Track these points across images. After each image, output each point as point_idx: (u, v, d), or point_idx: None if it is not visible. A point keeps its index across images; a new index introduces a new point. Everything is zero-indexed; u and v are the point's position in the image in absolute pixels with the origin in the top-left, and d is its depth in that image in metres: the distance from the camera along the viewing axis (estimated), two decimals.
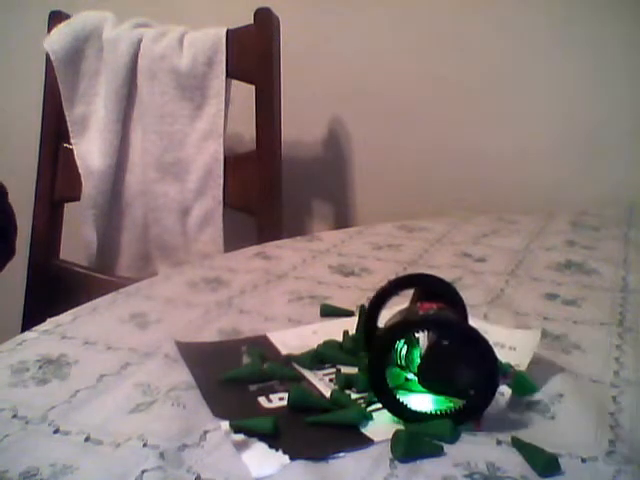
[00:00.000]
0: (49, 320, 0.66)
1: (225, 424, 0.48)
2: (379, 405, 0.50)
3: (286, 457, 0.45)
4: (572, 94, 1.32)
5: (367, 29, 1.42)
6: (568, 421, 0.50)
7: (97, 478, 0.43)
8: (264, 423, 0.48)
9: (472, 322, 0.58)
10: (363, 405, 0.51)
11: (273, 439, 0.47)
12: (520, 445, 0.46)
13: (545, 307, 0.74)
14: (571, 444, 0.47)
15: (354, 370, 0.57)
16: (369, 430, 0.48)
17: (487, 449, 0.47)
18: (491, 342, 0.48)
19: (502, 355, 0.50)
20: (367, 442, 0.47)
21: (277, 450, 0.46)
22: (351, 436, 0.48)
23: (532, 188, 1.36)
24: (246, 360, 0.59)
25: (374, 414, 0.50)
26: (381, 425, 0.49)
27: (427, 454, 0.46)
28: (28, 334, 0.64)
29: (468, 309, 0.58)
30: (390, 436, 0.47)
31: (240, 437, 0.47)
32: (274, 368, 0.57)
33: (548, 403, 0.53)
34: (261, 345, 0.62)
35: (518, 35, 1.34)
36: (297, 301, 0.75)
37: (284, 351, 0.61)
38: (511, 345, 0.61)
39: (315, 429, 0.49)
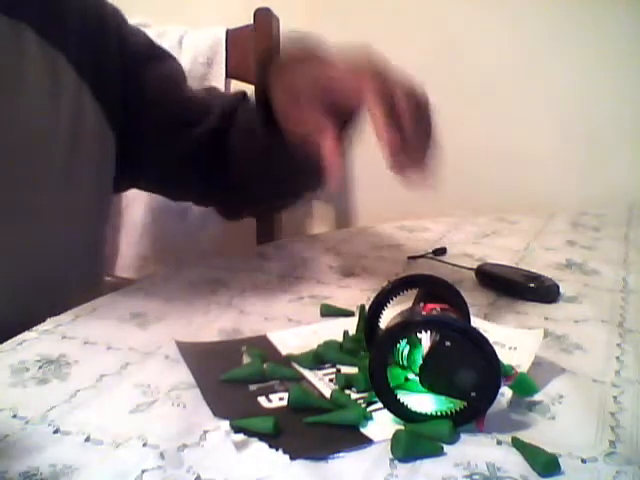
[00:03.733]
0: (49, 320, 0.66)
1: (225, 424, 0.48)
2: (379, 405, 0.50)
3: (286, 457, 0.45)
4: (572, 94, 1.32)
5: (367, 29, 1.42)
6: (568, 421, 0.50)
7: (97, 478, 0.43)
8: (264, 423, 0.48)
9: (473, 322, 0.58)
10: (363, 405, 0.51)
11: (273, 439, 0.47)
12: (520, 445, 0.46)
13: (545, 307, 0.74)
14: (571, 444, 0.47)
15: (354, 370, 0.57)
16: (369, 430, 0.48)
17: (487, 449, 0.47)
18: (491, 341, 0.48)
19: (502, 355, 0.50)
20: (367, 442, 0.47)
21: (277, 450, 0.46)
22: (351, 436, 0.48)
23: (532, 188, 1.35)
24: (246, 360, 0.59)
25: (374, 414, 0.50)
26: (381, 425, 0.49)
27: (427, 454, 0.46)
28: (28, 334, 0.63)
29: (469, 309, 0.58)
30: (390, 436, 0.47)
31: (240, 437, 0.47)
32: (274, 368, 0.57)
33: (549, 403, 0.53)
34: (261, 345, 0.62)
35: (518, 35, 1.34)
36: (297, 301, 0.75)
37: (284, 351, 0.61)
38: (512, 345, 0.61)
39: (315, 429, 0.48)
